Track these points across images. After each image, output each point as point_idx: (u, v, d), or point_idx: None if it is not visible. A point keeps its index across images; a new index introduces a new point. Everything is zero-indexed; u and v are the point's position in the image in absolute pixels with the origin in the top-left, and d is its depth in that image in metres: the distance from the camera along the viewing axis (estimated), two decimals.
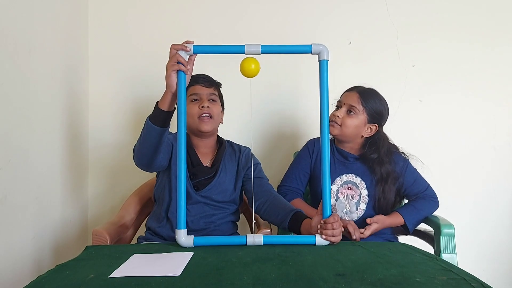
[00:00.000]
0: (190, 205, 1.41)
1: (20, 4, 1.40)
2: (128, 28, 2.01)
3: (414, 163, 1.64)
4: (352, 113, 1.54)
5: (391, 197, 1.56)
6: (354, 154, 1.61)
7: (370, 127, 1.58)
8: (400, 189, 1.61)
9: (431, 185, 1.63)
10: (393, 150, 1.61)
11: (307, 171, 1.65)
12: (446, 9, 2.05)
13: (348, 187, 1.58)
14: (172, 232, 1.25)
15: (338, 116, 1.54)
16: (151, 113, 1.26)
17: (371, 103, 1.55)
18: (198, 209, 1.43)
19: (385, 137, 1.60)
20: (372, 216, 1.50)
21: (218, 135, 1.56)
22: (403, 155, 1.63)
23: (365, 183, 1.57)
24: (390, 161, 1.57)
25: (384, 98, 1.60)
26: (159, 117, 1.24)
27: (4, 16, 1.32)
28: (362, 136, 1.59)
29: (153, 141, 1.27)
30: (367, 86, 1.60)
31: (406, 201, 1.66)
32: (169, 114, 1.25)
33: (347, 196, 1.57)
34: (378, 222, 1.47)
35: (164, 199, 1.44)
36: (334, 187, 1.58)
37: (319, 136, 1.20)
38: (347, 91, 1.61)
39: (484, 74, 2.05)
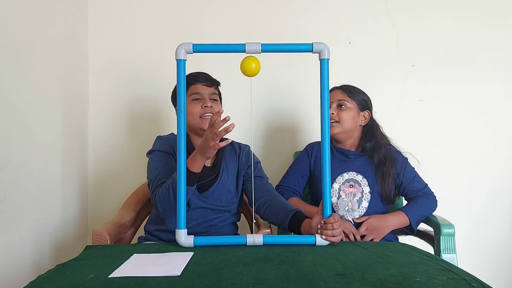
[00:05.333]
0: (192, 210, 1.39)
1: (20, 4, 1.40)
2: (127, 28, 2.01)
3: (409, 160, 1.65)
4: (343, 106, 1.58)
5: (390, 181, 1.56)
6: (354, 151, 1.61)
7: (363, 115, 1.62)
8: (399, 186, 1.61)
9: (428, 184, 1.64)
10: (390, 144, 1.64)
11: (306, 173, 1.66)
12: (446, 9, 2.05)
13: (350, 185, 1.58)
14: (172, 235, 1.24)
15: (332, 113, 1.56)
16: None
17: (356, 93, 1.61)
18: (199, 214, 1.41)
19: (377, 124, 1.65)
20: (374, 214, 1.52)
21: None
22: (394, 148, 1.64)
23: (367, 180, 1.57)
24: (386, 145, 1.60)
25: (360, 88, 1.64)
26: (193, 179, 1.26)
27: (4, 16, 1.32)
28: (360, 125, 1.62)
29: (187, 199, 1.26)
30: (339, 84, 1.64)
31: (405, 202, 1.66)
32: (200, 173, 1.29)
33: (349, 194, 1.57)
34: (370, 217, 1.50)
35: None
36: (336, 185, 1.58)
37: (318, 140, 1.20)
38: None
39: (484, 74, 2.05)
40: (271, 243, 1.16)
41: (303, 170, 1.66)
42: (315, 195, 1.67)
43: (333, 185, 1.58)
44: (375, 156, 1.57)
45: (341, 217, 1.51)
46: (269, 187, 1.49)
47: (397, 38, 2.05)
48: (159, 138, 1.50)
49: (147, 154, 1.47)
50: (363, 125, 1.63)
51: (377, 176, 1.57)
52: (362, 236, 1.49)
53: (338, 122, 1.56)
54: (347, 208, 1.56)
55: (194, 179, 1.27)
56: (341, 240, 1.20)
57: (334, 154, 1.61)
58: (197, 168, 1.26)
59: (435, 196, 1.62)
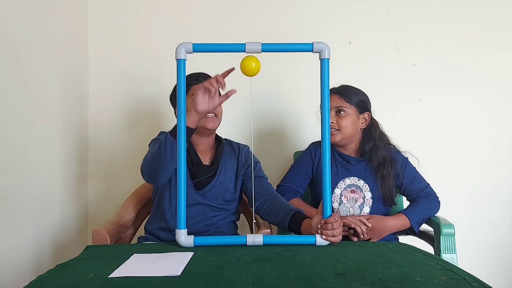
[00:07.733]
0: (190, 207, 1.38)
1: (20, 4, 1.40)
2: (127, 27, 2.01)
3: (409, 160, 1.64)
4: (342, 113, 1.54)
5: (391, 182, 1.55)
6: (355, 156, 1.61)
7: (363, 118, 1.59)
8: (400, 187, 1.61)
9: (430, 184, 1.63)
10: (389, 143, 1.63)
11: (308, 174, 1.65)
12: (446, 9, 2.05)
13: (352, 190, 1.57)
14: (172, 235, 1.24)
15: (332, 122, 1.53)
16: (171, 130, 1.25)
17: (352, 95, 1.57)
18: (198, 211, 1.41)
19: (376, 124, 1.63)
20: None
21: (216, 134, 1.55)
22: (394, 147, 1.63)
23: (369, 186, 1.57)
24: (385, 146, 1.59)
25: (357, 87, 1.61)
26: (188, 135, 1.22)
27: (4, 16, 1.32)
28: (360, 129, 1.60)
29: (175, 158, 1.22)
30: (336, 85, 1.60)
31: (407, 202, 1.66)
32: (194, 130, 1.27)
33: (351, 199, 1.56)
34: (372, 217, 1.48)
35: (164, 200, 1.43)
36: (338, 191, 1.57)
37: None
38: None
39: (484, 74, 2.05)
40: (271, 243, 1.16)
41: (305, 171, 1.65)
42: (316, 198, 1.65)
43: (334, 190, 1.57)
44: (374, 158, 1.56)
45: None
46: (268, 187, 1.49)
47: (397, 38, 2.05)
48: (162, 132, 1.51)
49: (148, 145, 1.48)
50: (364, 128, 1.61)
51: (377, 179, 1.55)
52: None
53: (338, 130, 1.54)
54: (348, 213, 1.55)
55: (189, 135, 1.24)
56: (346, 238, 1.20)
57: (336, 158, 1.60)
58: (191, 123, 1.24)
59: (437, 197, 1.60)
